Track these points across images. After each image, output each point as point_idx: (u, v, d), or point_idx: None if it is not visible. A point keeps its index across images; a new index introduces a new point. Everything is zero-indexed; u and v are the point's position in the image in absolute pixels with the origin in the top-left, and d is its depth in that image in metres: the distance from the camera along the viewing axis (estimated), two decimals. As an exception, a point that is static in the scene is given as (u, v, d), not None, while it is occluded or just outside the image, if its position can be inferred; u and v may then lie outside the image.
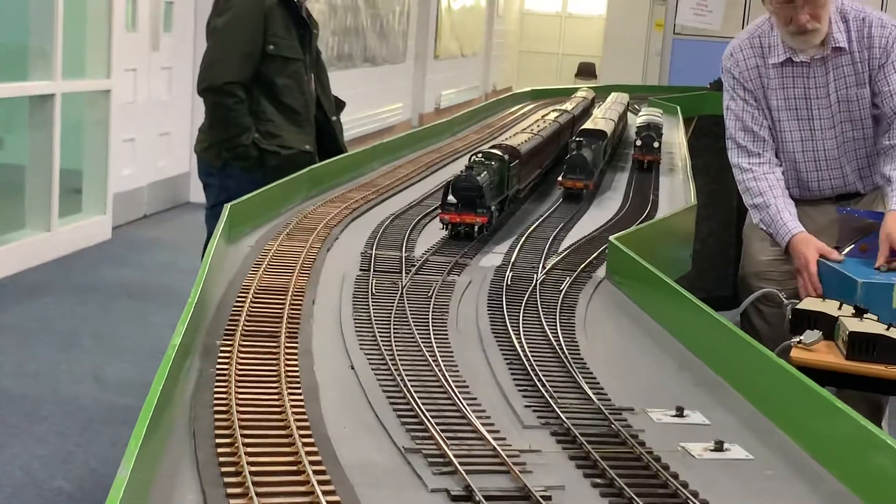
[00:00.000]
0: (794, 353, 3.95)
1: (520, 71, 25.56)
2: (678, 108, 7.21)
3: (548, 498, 1.72)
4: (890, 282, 4.16)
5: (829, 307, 4.42)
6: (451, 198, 3.37)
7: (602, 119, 5.41)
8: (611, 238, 3.12)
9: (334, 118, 5.40)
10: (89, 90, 9.39)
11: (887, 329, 4.15)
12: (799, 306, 4.44)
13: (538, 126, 4.78)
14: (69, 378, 5.96)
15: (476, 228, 3.36)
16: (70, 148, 9.04)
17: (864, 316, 4.34)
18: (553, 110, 5.65)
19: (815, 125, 4.21)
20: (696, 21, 13.68)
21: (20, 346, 6.50)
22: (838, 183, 4.48)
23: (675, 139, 6.23)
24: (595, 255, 3.34)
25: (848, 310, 4.33)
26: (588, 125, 5.01)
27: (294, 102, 4.98)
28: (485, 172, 3.45)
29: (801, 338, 4.33)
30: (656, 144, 5.10)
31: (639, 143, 5.10)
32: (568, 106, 6.09)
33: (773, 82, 4.08)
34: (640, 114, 6.22)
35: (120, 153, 9.61)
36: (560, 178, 4.17)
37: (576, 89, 7.67)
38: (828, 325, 4.34)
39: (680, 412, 2.15)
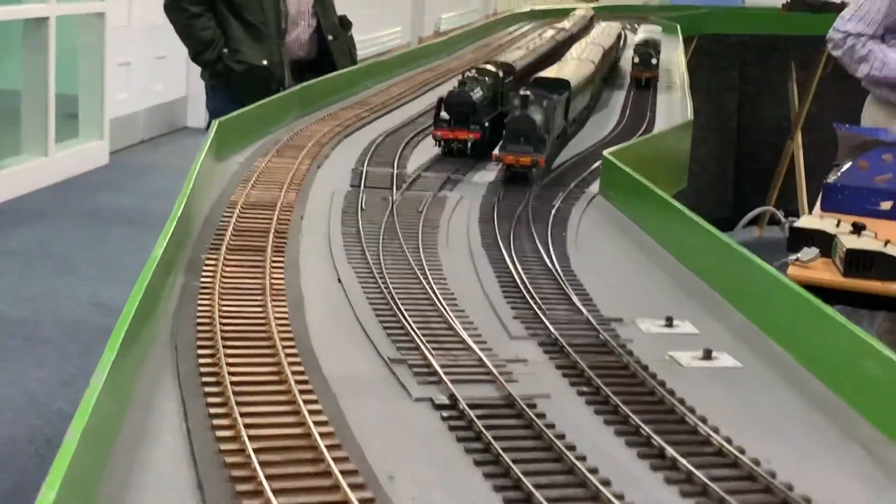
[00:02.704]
0: (791, 270, 3.92)
1: (522, -7, 25.21)
2: (678, 26, 7.10)
3: (532, 406, 1.70)
4: None
5: (827, 225, 4.39)
6: (443, 114, 3.33)
7: (575, 60, 4.06)
8: (605, 153, 3.08)
9: (330, 38, 5.33)
10: (83, 13, 9.28)
11: (884, 245, 4.12)
12: (797, 224, 4.41)
13: (535, 43, 4.72)
14: (68, 302, 5.97)
15: (469, 144, 3.31)
16: (65, 73, 8.97)
17: (862, 233, 4.32)
18: (551, 28, 5.58)
19: None
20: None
21: (19, 271, 6.50)
22: None
23: (674, 57, 6.14)
24: (589, 171, 3.30)
25: (846, 227, 4.31)
26: (550, 70, 3.71)
27: (254, 18, 4.93)
28: (478, 88, 3.40)
29: (799, 255, 4.31)
30: (654, 61, 5.04)
31: (636, 59, 5.04)
32: (566, 24, 6.02)
33: None
34: (638, 31, 6.14)
35: (115, 78, 9.53)
36: (496, 151, 3.01)
37: (574, 9, 7.55)
38: (825, 243, 4.31)
39: (669, 322, 2.13)
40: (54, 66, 8.56)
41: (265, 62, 4.91)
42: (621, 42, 5.98)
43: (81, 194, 8.34)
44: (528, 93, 2.98)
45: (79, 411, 1.29)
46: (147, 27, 10.17)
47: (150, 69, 10.31)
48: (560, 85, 3.37)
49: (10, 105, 8.72)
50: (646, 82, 4.88)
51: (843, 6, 8.99)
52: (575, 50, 4.49)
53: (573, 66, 3.89)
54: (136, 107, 10.10)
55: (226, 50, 4.90)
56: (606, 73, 4.97)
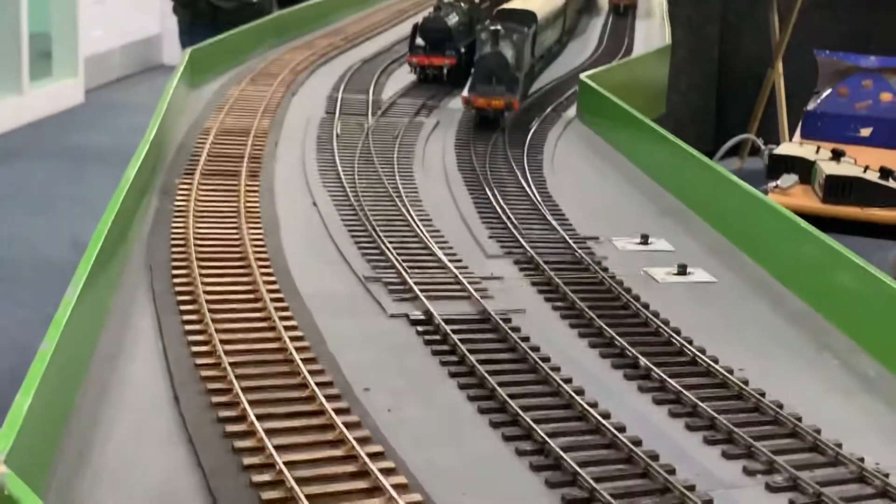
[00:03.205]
0: (771, 197, 3.93)
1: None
2: (658, -46, 7.03)
3: (507, 320, 1.72)
4: None
5: (807, 151, 4.40)
6: (419, 40, 3.31)
7: None
8: (582, 76, 3.07)
9: None
10: (55, -51, 9.12)
11: (864, 171, 4.15)
12: (776, 151, 4.43)
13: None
14: (46, 241, 5.93)
15: (444, 71, 3.30)
16: (38, 11, 8.83)
17: (842, 159, 4.33)
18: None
19: None
20: None
21: (-1, 214, 6.46)
22: None
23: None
24: (565, 96, 3.30)
25: (825, 153, 4.32)
26: (514, 2, 3.39)
27: None
28: (454, 14, 3.37)
29: (778, 182, 4.33)
30: (634, -12, 4.99)
31: (615, -15, 4.99)
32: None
33: None
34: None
35: (89, 15, 9.40)
36: (465, 92, 2.81)
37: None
38: (805, 170, 4.33)
39: (645, 240, 2.14)
40: (27, 4, 8.43)
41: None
42: None
43: (56, 133, 8.25)
44: (498, 27, 2.75)
45: (52, 323, 1.29)
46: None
47: (125, 6, 10.17)
48: (526, 17, 3.13)
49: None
50: (624, 9, 4.85)
51: None
52: None
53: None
54: (111, 44, 9.97)
55: None
56: (581, 4, 4.75)
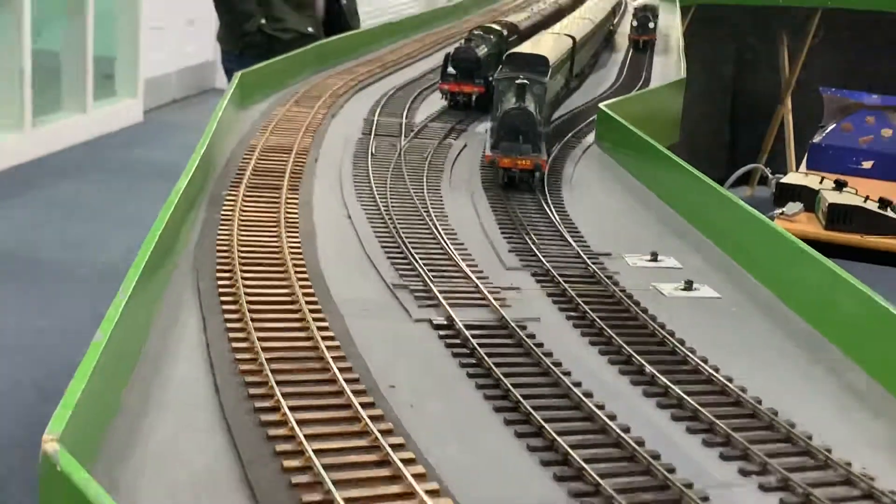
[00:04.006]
0: (777, 222, 3.94)
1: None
2: (676, -6, 7.03)
3: (523, 327, 1.73)
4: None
5: (811, 181, 4.39)
6: (450, 69, 3.33)
7: (551, 36, 3.45)
8: (601, 105, 3.08)
9: (344, 1, 5.33)
10: (119, -21, 9.26)
11: (864, 201, 4.13)
12: (783, 180, 4.41)
13: (538, 7, 4.70)
14: (104, 247, 6.01)
15: (473, 98, 3.32)
16: (103, 35, 8.95)
17: (844, 189, 4.31)
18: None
19: None
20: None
21: (59, 219, 6.55)
22: None
23: (672, 23, 6.10)
24: (585, 123, 3.31)
25: (829, 184, 4.31)
26: (526, 45, 3.12)
27: None
28: (483, 45, 3.40)
29: (784, 209, 4.32)
30: (651, 25, 5.01)
31: (635, 23, 5.01)
32: (569, -9, 5.97)
33: None
34: (637, -1, 6.09)
35: (149, 40, 9.51)
36: (488, 151, 2.43)
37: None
38: (809, 198, 4.31)
39: (654, 257, 2.15)
40: (93, 29, 8.55)
41: (311, 29, 4.89)
42: (616, 15, 5.74)
43: (117, 149, 8.35)
44: (524, 80, 2.40)
45: (106, 317, 1.32)
46: (178, -6, 10.14)
47: (182, 33, 10.29)
48: (538, 66, 2.70)
49: (52, 65, 8.71)
50: (643, 45, 4.86)
51: None
52: (558, 25, 3.94)
53: (549, 43, 3.28)
54: (169, 68, 10.09)
55: (263, 21, 4.86)
56: (599, 46, 4.56)
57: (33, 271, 5.65)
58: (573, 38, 3.51)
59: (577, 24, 3.95)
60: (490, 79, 3.33)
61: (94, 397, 1.19)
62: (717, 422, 1.46)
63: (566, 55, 3.36)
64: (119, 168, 7.84)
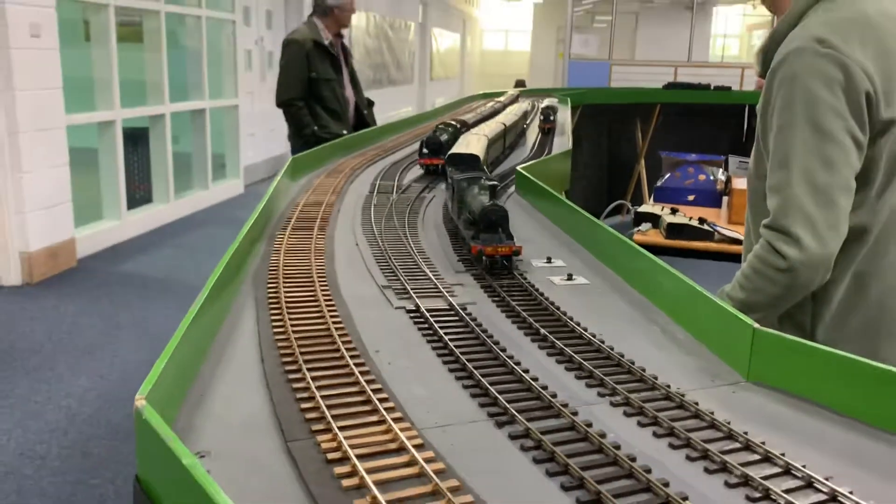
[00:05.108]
0: (636, 237, 3.89)
1: (481, 86, 25.25)
2: (568, 99, 7.02)
3: (464, 308, 1.68)
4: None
5: (656, 209, 4.34)
6: (424, 149, 3.29)
7: (476, 136, 3.01)
8: (518, 167, 3.03)
9: (366, 111, 5.31)
10: (225, 105, 9.26)
11: (689, 220, 4.09)
12: (639, 209, 4.36)
13: (481, 110, 4.66)
14: (208, 272, 5.94)
15: (440, 168, 3.27)
16: (217, 140, 8.96)
17: (676, 213, 4.27)
18: (491, 102, 5.50)
19: None
20: (583, 51, 13.54)
21: (195, 259, 6.50)
22: None
23: (566, 117, 6.07)
24: (510, 179, 3.26)
25: (667, 211, 4.26)
26: (460, 145, 2.70)
27: (334, 105, 4.93)
28: (444, 133, 3.36)
29: (640, 228, 4.26)
30: (553, 118, 4.98)
31: (542, 117, 4.98)
32: (501, 99, 5.94)
33: None
34: (544, 101, 6.06)
35: (246, 142, 9.50)
36: (473, 244, 1.92)
37: (506, 91, 7.46)
38: (655, 220, 4.26)
39: (549, 260, 2.09)
40: (210, 137, 8.55)
41: (345, 132, 4.91)
42: (528, 116, 5.37)
43: (229, 210, 8.32)
44: (495, 182, 2.00)
45: (187, 314, 1.26)
46: (263, 112, 10.15)
47: (266, 136, 10.30)
48: (472, 159, 2.38)
49: (186, 161, 8.74)
50: (547, 130, 4.83)
51: (707, 87, 8.86)
52: (481, 128, 3.42)
53: (474, 141, 2.87)
54: (259, 158, 10.08)
55: (316, 127, 4.90)
56: (515, 136, 4.03)
57: (180, 290, 5.59)
58: (487, 136, 3.16)
59: (492, 126, 3.62)
60: (445, 157, 3.24)
61: (176, 371, 1.13)
62: (585, 362, 1.41)
63: (486, 148, 3.00)
64: (228, 222, 7.80)
